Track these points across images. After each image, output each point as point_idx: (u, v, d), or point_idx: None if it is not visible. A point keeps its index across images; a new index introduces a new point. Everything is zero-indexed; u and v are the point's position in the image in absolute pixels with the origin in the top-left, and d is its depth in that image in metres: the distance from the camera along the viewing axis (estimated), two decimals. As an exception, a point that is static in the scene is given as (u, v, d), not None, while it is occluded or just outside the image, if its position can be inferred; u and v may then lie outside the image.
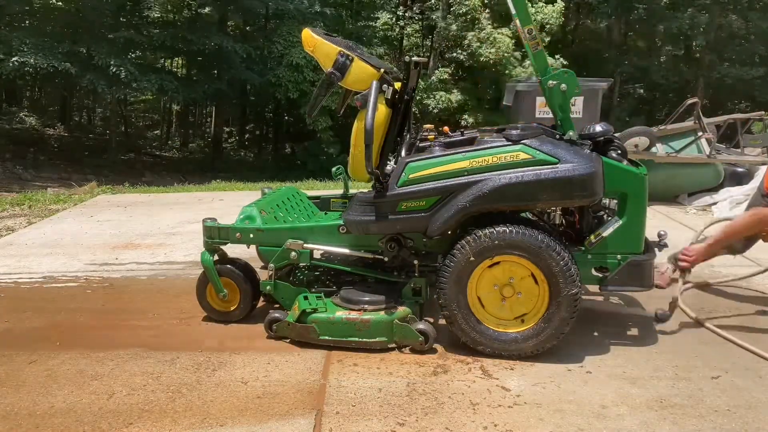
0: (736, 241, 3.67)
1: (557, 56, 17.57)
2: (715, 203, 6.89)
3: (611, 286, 3.07)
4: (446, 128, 4.96)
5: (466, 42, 18.22)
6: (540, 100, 4.45)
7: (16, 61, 15.15)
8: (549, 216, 3.29)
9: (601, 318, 3.59)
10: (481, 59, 17.81)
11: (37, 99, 26.86)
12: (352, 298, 3.16)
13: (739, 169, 7.29)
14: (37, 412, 2.49)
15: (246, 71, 18.54)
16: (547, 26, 18.18)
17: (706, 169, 7.11)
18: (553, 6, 18.36)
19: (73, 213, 6.73)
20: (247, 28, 22.09)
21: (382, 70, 3.13)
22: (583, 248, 3.05)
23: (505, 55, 17.58)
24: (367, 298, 3.14)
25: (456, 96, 18.47)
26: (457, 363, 2.93)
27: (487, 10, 18.33)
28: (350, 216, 3.13)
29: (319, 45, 3.16)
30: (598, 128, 3.13)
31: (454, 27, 18.96)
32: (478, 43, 17.87)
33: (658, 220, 6.25)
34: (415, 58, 3.15)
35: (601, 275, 3.09)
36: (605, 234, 2.99)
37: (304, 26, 3.26)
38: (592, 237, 3.01)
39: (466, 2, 18.21)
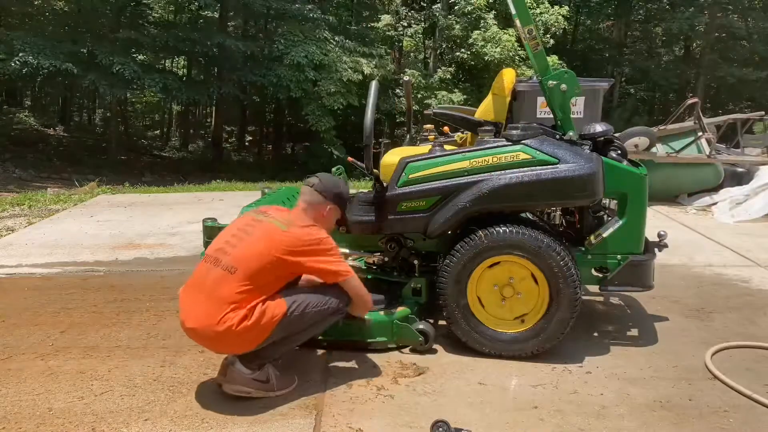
0: None
1: (560, 60, 17.58)
2: (715, 203, 6.89)
3: (611, 286, 3.07)
4: (446, 128, 4.97)
5: (471, 41, 18.24)
6: (541, 100, 4.44)
7: (18, 61, 15.15)
8: (549, 216, 3.29)
9: (601, 318, 3.59)
10: (486, 58, 17.84)
11: (37, 99, 26.85)
12: None
13: (739, 169, 7.29)
14: (37, 412, 2.49)
15: (248, 72, 18.54)
16: (553, 28, 18.20)
17: (706, 169, 7.11)
18: (560, 8, 18.39)
19: (73, 213, 6.73)
20: (249, 24, 22.09)
21: None
22: (583, 248, 3.05)
23: (510, 54, 17.61)
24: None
25: (458, 96, 18.48)
26: (456, 363, 2.92)
27: (492, 11, 18.37)
28: (350, 216, 3.13)
29: None
30: (599, 128, 3.13)
31: (457, 27, 18.98)
32: (483, 42, 17.89)
33: (658, 220, 6.25)
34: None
35: (601, 275, 3.09)
36: (605, 234, 2.99)
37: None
38: (592, 237, 3.01)
39: (472, 1, 18.24)
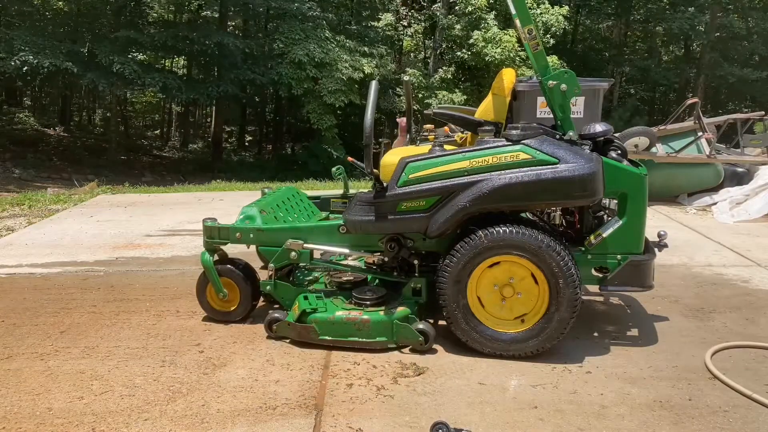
0: None
1: (560, 60, 17.59)
2: (715, 203, 6.89)
3: (611, 286, 3.07)
4: (447, 128, 4.98)
5: (471, 41, 18.26)
6: (541, 100, 4.45)
7: (18, 60, 15.16)
8: (549, 216, 3.29)
9: (601, 318, 3.59)
10: (486, 59, 17.85)
11: (37, 99, 26.85)
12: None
13: (739, 169, 7.29)
14: (37, 412, 2.49)
15: (247, 71, 18.55)
16: (553, 28, 18.22)
17: (706, 169, 7.11)
18: (560, 8, 18.42)
19: (73, 213, 6.73)
20: (249, 23, 22.09)
21: None
22: (583, 248, 3.05)
23: (510, 54, 17.63)
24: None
25: (458, 96, 18.49)
26: (456, 363, 2.92)
27: (493, 12, 18.39)
28: (350, 216, 3.13)
29: None
30: (599, 128, 3.13)
31: (457, 27, 18.99)
32: (483, 43, 17.91)
33: (658, 220, 6.25)
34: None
35: (601, 275, 3.09)
36: (605, 234, 2.99)
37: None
38: (592, 237, 3.01)
39: (473, 1, 18.26)
